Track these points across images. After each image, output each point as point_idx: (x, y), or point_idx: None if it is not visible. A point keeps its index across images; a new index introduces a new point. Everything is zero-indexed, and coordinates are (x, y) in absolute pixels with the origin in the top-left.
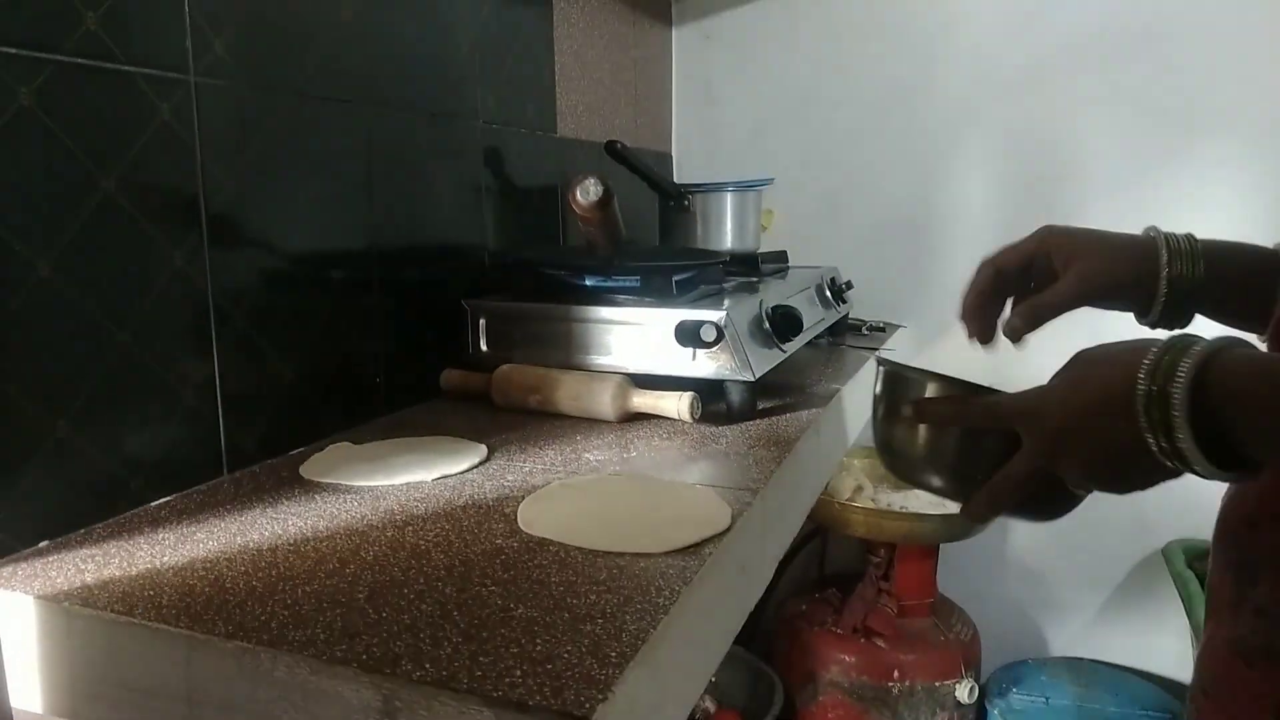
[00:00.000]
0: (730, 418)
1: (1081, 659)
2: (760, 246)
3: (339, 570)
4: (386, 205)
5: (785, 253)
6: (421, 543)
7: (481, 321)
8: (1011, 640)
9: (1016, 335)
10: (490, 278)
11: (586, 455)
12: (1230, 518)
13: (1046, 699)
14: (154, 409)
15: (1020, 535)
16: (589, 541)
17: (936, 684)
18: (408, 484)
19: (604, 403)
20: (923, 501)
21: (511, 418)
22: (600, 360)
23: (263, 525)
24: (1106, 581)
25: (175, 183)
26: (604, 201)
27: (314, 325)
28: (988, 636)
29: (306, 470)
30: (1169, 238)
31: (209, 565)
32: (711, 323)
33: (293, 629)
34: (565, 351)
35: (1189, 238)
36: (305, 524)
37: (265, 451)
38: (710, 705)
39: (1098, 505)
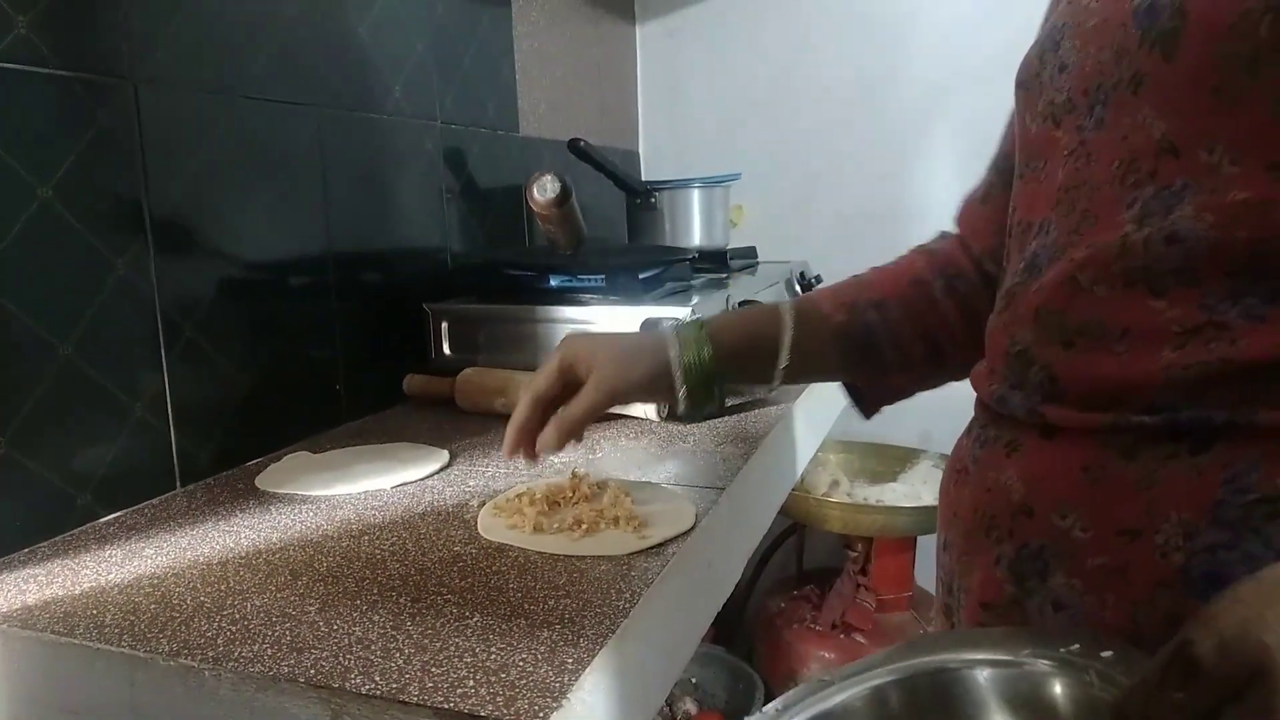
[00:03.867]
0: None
1: None
2: (729, 243)
3: (290, 583)
4: (344, 209)
5: (754, 248)
6: (377, 552)
7: (444, 325)
8: None
9: (552, 450)
10: (453, 281)
11: (551, 458)
12: (989, 513)
13: None
14: (101, 423)
15: None
16: (549, 546)
17: None
18: (366, 492)
19: None
20: (898, 494)
21: (476, 422)
22: None
23: (214, 539)
24: None
25: (117, 189)
26: (562, 199)
27: (270, 333)
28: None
29: (263, 481)
30: (678, 329)
31: (156, 582)
32: (678, 319)
33: (239, 644)
34: (530, 353)
35: (698, 323)
36: (258, 536)
37: (220, 463)
38: (691, 707)
39: None
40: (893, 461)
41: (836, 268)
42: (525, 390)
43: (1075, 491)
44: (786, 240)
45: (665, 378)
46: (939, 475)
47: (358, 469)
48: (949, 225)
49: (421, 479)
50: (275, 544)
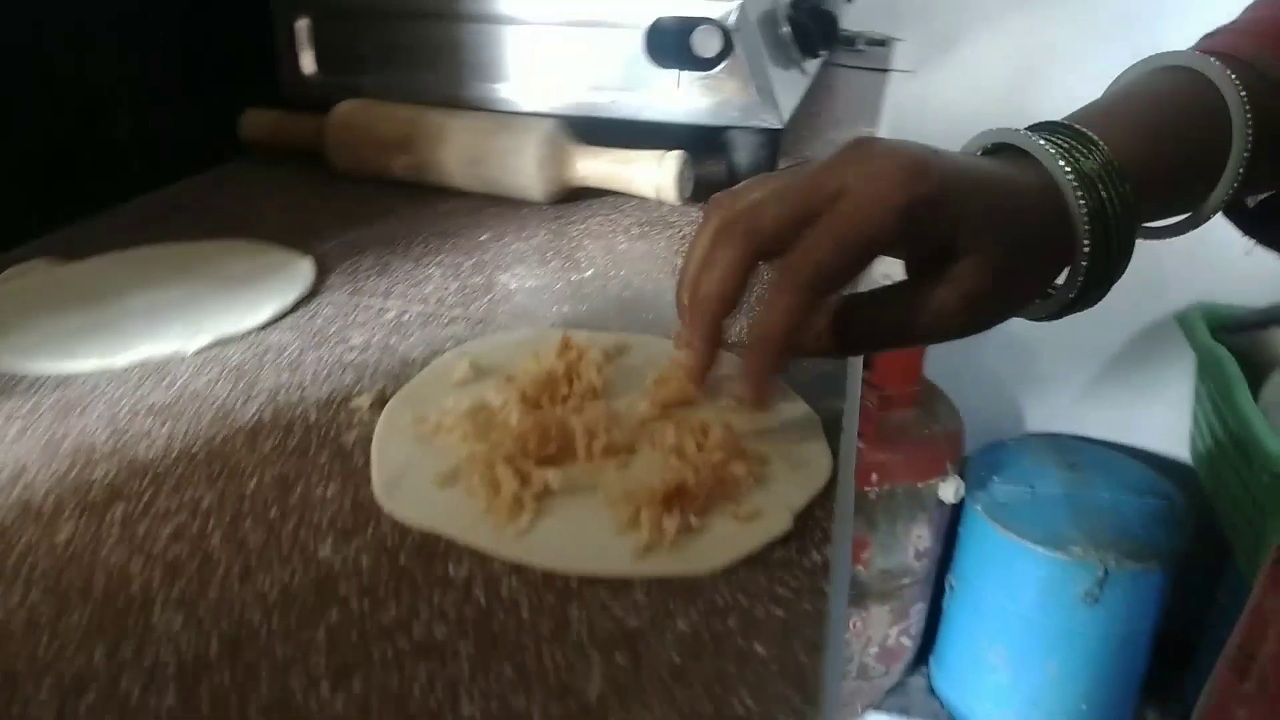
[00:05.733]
0: None
1: (1062, 435)
2: None
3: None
4: None
5: None
6: (147, 575)
7: (302, 24)
8: (989, 419)
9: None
10: None
11: (501, 278)
12: None
13: (1031, 487)
14: None
15: None
16: (567, 558)
17: (919, 484)
18: (144, 363)
19: (526, 169)
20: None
21: (362, 194)
22: (511, 92)
23: None
24: (1099, 352)
25: None
26: None
27: None
28: (966, 420)
29: None
30: (1069, 158)
31: None
32: (714, 22)
33: None
34: (451, 76)
35: (1089, 139)
36: None
37: None
38: None
39: None
40: None
41: None
42: (752, 234)
43: None
44: None
45: (1064, 245)
46: None
47: (136, 303)
48: None
49: (261, 326)
50: None
